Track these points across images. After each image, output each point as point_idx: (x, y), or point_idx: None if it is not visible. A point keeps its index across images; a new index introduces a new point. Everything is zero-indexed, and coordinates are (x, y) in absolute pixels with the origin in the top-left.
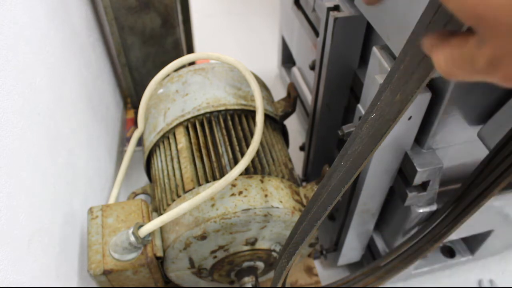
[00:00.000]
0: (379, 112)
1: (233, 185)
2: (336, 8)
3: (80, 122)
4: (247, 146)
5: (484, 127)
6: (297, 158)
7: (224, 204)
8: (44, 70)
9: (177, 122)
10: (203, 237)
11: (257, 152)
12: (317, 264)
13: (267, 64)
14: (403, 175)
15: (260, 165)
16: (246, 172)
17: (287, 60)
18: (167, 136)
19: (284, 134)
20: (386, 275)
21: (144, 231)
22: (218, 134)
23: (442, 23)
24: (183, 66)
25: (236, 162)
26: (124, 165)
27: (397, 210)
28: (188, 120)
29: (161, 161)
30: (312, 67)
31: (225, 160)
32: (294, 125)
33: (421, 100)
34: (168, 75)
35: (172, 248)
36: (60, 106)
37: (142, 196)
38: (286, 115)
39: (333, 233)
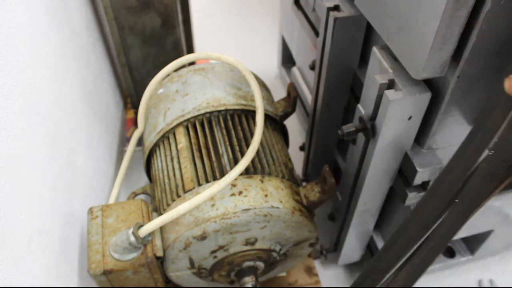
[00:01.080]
0: (497, 151)
1: (233, 185)
2: (336, 8)
3: (80, 122)
4: (247, 146)
5: None
6: (297, 158)
7: (224, 204)
8: (44, 70)
9: (177, 122)
10: (203, 237)
11: (257, 152)
12: (317, 264)
13: (267, 64)
14: (403, 175)
15: (260, 165)
16: (246, 172)
17: (287, 60)
18: (167, 136)
19: (284, 134)
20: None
21: (144, 231)
22: (218, 134)
23: None
24: (183, 66)
25: (236, 162)
26: (124, 165)
27: (397, 210)
28: (188, 120)
29: (161, 161)
30: (312, 67)
31: (225, 160)
32: (294, 125)
33: (421, 100)
34: (168, 75)
35: (172, 248)
36: (60, 106)
37: (142, 196)
38: (286, 115)
39: (333, 233)
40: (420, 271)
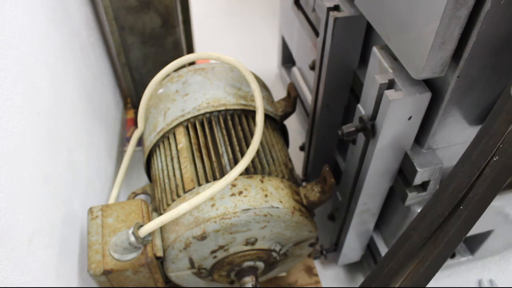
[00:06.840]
0: (502, 157)
1: (233, 185)
2: (336, 8)
3: (80, 122)
4: (247, 146)
5: None
6: (297, 158)
7: (224, 204)
8: (44, 70)
9: (177, 122)
10: (203, 237)
11: (257, 152)
12: (317, 264)
13: (267, 64)
14: (403, 175)
15: (260, 165)
16: (246, 172)
17: (287, 60)
18: (167, 136)
19: (284, 134)
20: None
21: (144, 231)
22: (218, 134)
23: None
24: (183, 66)
25: (236, 162)
26: (124, 165)
27: (397, 210)
28: (188, 120)
29: (161, 161)
30: (312, 67)
31: (225, 160)
32: (294, 125)
33: (421, 100)
34: (168, 75)
35: (172, 248)
36: (60, 106)
37: (142, 196)
38: (286, 115)
39: (333, 233)
40: (425, 279)
